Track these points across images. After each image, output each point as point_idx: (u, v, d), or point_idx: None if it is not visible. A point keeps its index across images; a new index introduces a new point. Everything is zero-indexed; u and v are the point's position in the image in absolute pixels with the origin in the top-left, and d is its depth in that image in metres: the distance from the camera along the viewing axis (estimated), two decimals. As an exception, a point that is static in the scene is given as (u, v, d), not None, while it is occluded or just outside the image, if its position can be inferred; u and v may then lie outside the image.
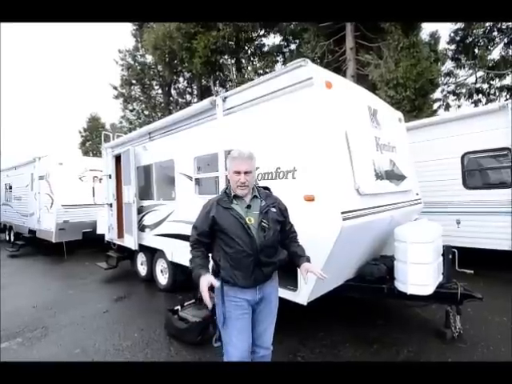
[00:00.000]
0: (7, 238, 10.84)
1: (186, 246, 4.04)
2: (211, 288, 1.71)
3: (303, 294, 2.65)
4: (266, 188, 2.06)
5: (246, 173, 1.82)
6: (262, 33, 15.68)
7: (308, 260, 1.91)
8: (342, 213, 2.44)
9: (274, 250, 1.88)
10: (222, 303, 1.84)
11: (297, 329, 3.32)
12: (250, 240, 1.77)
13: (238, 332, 1.82)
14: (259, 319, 1.94)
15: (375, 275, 3.11)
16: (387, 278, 3.11)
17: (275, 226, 1.86)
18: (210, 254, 1.94)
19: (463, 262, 3.25)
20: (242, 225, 1.77)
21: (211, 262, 1.95)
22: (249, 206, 1.86)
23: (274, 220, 1.86)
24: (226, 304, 1.83)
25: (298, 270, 1.97)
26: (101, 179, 7.75)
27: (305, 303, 2.67)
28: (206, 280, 1.68)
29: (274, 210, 1.89)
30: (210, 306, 1.71)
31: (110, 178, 6.06)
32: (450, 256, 3.07)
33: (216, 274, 1.85)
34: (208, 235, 1.86)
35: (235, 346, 1.82)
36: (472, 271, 3.27)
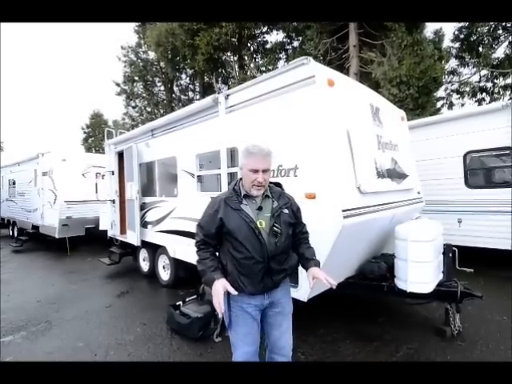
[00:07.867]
0: (11, 233, 10.95)
1: (188, 243, 4.13)
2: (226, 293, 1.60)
3: (304, 290, 2.67)
4: (277, 184, 1.88)
5: (264, 171, 1.64)
6: (264, 30, 15.63)
7: (316, 264, 1.76)
8: (343, 210, 2.46)
9: (285, 257, 1.74)
10: (227, 307, 1.72)
11: (297, 325, 3.30)
12: (261, 247, 1.62)
13: (244, 336, 1.73)
14: (271, 324, 1.81)
15: (376, 273, 3.13)
16: (388, 275, 3.13)
17: (287, 230, 1.72)
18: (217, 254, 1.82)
19: (464, 260, 3.26)
20: (252, 229, 1.62)
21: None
22: (260, 208, 1.69)
23: (287, 223, 1.72)
24: (233, 309, 1.73)
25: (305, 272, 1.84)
26: (103, 175, 7.80)
27: (305, 300, 2.69)
28: (222, 285, 1.57)
29: (286, 211, 1.73)
30: (221, 312, 1.55)
31: (113, 174, 6.11)
32: (451, 254, 3.08)
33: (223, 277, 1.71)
34: (215, 237, 1.71)
35: (242, 349, 1.74)
36: (472, 270, 3.28)
